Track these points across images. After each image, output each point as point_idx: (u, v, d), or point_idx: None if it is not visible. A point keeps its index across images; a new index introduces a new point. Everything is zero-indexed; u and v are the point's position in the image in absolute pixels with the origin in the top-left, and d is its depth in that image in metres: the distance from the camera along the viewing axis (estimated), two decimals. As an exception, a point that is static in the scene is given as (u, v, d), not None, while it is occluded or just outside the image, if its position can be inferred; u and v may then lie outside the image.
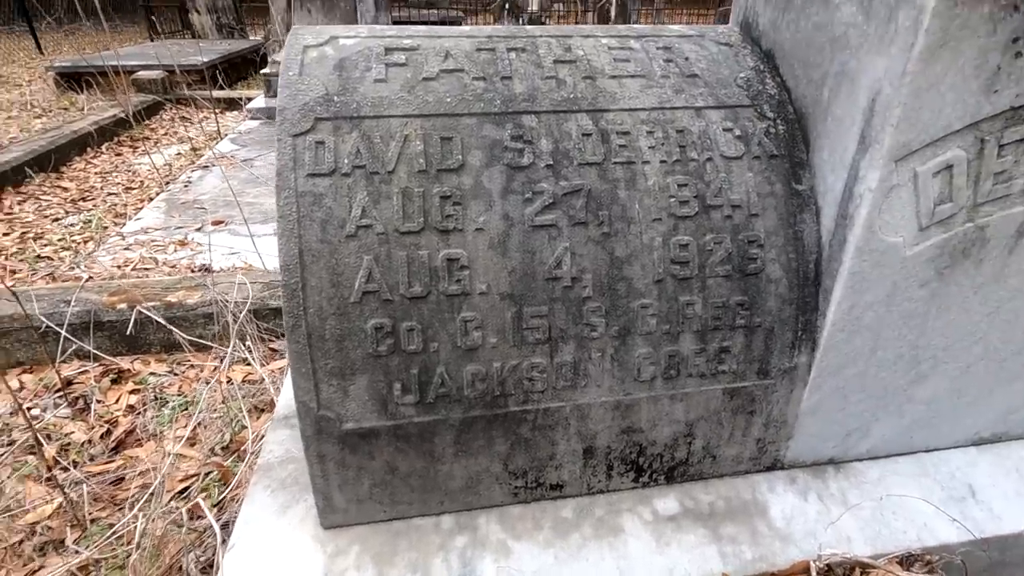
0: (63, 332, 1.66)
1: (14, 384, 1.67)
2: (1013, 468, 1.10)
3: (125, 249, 2.39)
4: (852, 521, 0.99)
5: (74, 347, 1.70)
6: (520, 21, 9.26)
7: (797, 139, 0.96)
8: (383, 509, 0.96)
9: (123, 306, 1.75)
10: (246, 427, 1.46)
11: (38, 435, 1.19)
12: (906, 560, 0.96)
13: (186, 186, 3.15)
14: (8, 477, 1.34)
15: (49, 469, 1.23)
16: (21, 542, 1.18)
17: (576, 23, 10.80)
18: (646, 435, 0.98)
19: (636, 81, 0.97)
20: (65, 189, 3.21)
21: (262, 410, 1.56)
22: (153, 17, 8.81)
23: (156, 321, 1.76)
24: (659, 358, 0.92)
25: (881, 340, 0.96)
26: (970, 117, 0.78)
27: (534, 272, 0.87)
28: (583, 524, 0.98)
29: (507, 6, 9.08)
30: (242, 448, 1.41)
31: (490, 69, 0.94)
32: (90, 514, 1.26)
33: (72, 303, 1.73)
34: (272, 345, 1.81)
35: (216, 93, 5.21)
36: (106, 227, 2.71)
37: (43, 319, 1.68)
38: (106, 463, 1.41)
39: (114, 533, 1.17)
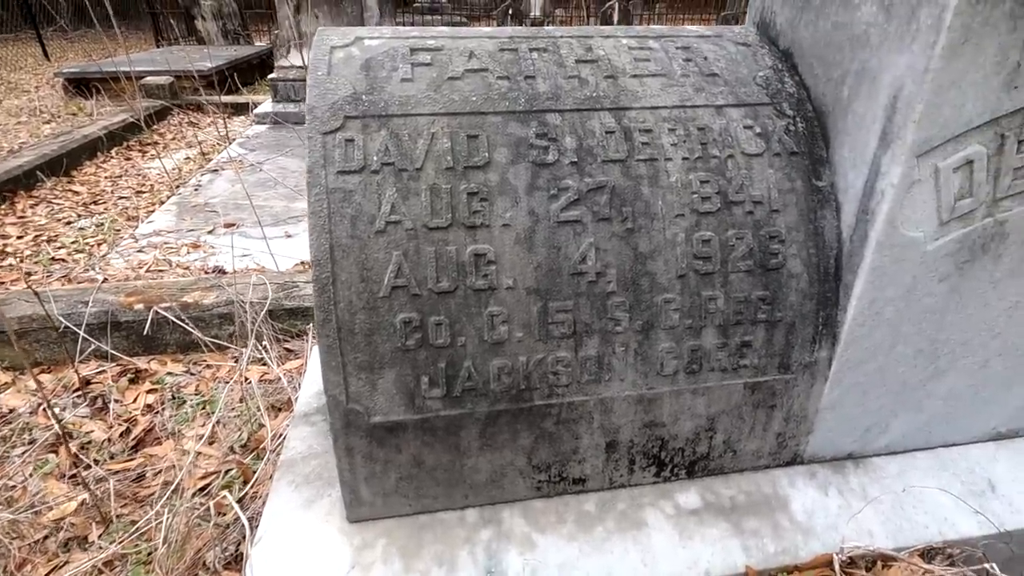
0: (81, 332, 1.67)
1: (32, 384, 1.68)
2: (1031, 463, 1.11)
3: (138, 252, 2.41)
4: (873, 515, 1.00)
5: (92, 347, 1.72)
6: (523, 25, 9.30)
7: (817, 136, 0.97)
8: (408, 503, 0.97)
9: (140, 306, 1.77)
10: (264, 425, 1.47)
11: (63, 431, 1.20)
12: (927, 553, 0.96)
13: (196, 189, 3.17)
14: (30, 475, 1.36)
15: (75, 465, 1.24)
16: (45, 538, 1.20)
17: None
18: (668, 429, 0.99)
19: (657, 80, 0.98)
20: (76, 193, 3.23)
21: (279, 409, 1.57)
22: (159, 23, 8.88)
23: (172, 321, 1.77)
24: (682, 352, 0.93)
25: (901, 335, 0.97)
26: (990, 113, 0.80)
27: (559, 267, 0.88)
28: (606, 518, 0.99)
29: (510, 12, 9.14)
30: (261, 446, 1.42)
31: (513, 69, 0.96)
32: (113, 511, 1.27)
33: (90, 304, 1.74)
34: (287, 345, 1.83)
35: (224, 98, 5.25)
36: (118, 230, 2.72)
37: (61, 319, 1.69)
38: (126, 461, 1.42)
39: (138, 529, 1.18)
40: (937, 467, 1.09)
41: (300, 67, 4.76)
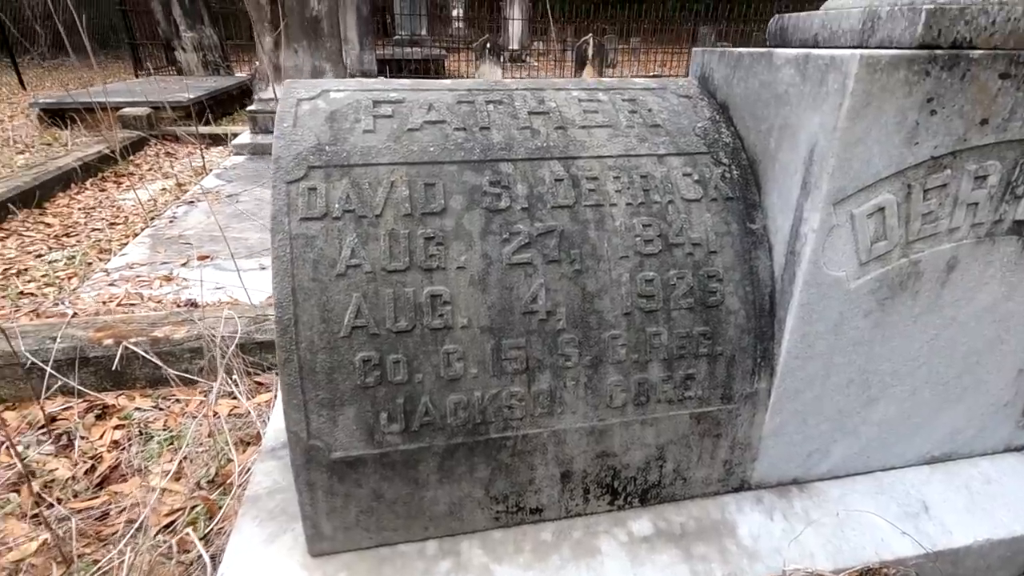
0: (48, 369, 1.67)
1: (-4, 421, 1.66)
2: (963, 485, 1.18)
3: (110, 285, 2.41)
4: (814, 537, 1.05)
5: (59, 383, 1.71)
6: (501, 59, 9.57)
7: (750, 183, 1.05)
8: (369, 536, 1.00)
9: (109, 342, 1.77)
10: (232, 460, 1.48)
11: (26, 470, 1.20)
12: (865, 574, 1.02)
13: (171, 221, 3.18)
14: (-10, 515, 1.34)
15: (37, 505, 1.24)
16: (4, 580, 1.18)
17: (555, 61, 11.20)
18: (620, 459, 1.04)
19: (604, 131, 1.06)
20: (48, 225, 3.21)
21: (248, 443, 1.58)
22: (139, 54, 8.91)
23: (142, 356, 1.78)
24: (629, 385, 0.99)
25: (833, 366, 1.03)
26: (896, 166, 0.88)
27: (511, 307, 0.94)
28: (562, 546, 1.03)
29: (488, 45, 9.39)
30: (228, 481, 1.42)
31: (470, 120, 1.03)
32: (75, 550, 1.26)
33: (58, 339, 1.74)
34: (258, 379, 1.84)
35: (202, 129, 5.28)
36: (90, 263, 2.72)
37: (28, 356, 1.69)
38: (90, 499, 1.41)
39: (100, 569, 1.17)
40: (875, 491, 1.15)
41: (279, 99, 4.83)
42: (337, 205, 0.91)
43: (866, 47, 0.95)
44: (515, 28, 12.36)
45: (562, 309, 0.95)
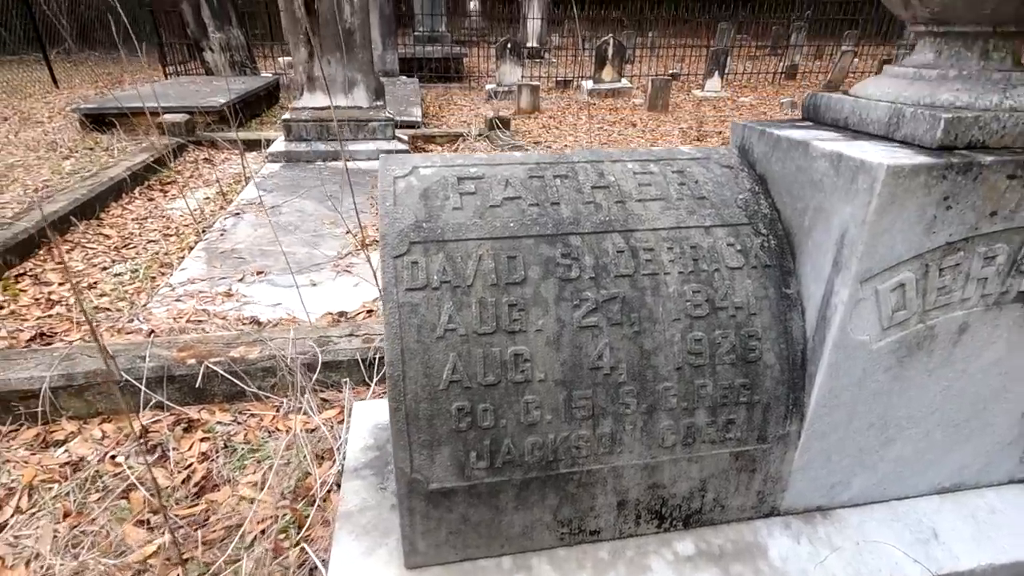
0: (142, 387, 1.87)
1: (96, 433, 1.87)
2: (970, 514, 1.33)
3: (176, 300, 2.61)
4: (837, 561, 1.21)
5: (151, 400, 1.91)
6: (520, 56, 9.65)
7: (786, 251, 1.20)
8: (455, 552, 1.17)
9: (192, 361, 1.97)
10: (310, 473, 1.67)
11: (154, 480, 1.39)
12: (880, 593, 1.18)
13: (221, 234, 3.37)
14: (108, 521, 1.54)
15: (164, 515, 1.43)
16: (132, 579, 1.38)
17: (575, 57, 11.25)
18: (668, 490, 1.20)
19: (657, 203, 1.21)
20: (107, 236, 3.42)
21: (322, 457, 1.76)
22: (164, 52, 9.09)
23: (219, 373, 1.97)
24: (679, 428, 1.15)
25: (856, 413, 1.19)
26: (916, 250, 1.03)
27: (581, 363, 1.10)
28: (617, 563, 1.20)
29: (508, 45, 9.48)
30: (310, 493, 1.61)
31: (542, 196, 1.19)
32: (184, 554, 1.46)
33: (147, 359, 1.94)
34: (322, 395, 2.03)
35: (239, 135, 5.47)
36: (153, 277, 2.92)
37: (123, 374, 1.89)
38: (191, 506, 1.61)
39: (211, 572, 1.37)
40: (891, 518, 1.30)
41: (313, 108, 5.00)
42: (436, 277, 1.07)
43: (891, 139, 1.10)
44: (533, 25, 12.40)
45: (623, 365, 1.11)
